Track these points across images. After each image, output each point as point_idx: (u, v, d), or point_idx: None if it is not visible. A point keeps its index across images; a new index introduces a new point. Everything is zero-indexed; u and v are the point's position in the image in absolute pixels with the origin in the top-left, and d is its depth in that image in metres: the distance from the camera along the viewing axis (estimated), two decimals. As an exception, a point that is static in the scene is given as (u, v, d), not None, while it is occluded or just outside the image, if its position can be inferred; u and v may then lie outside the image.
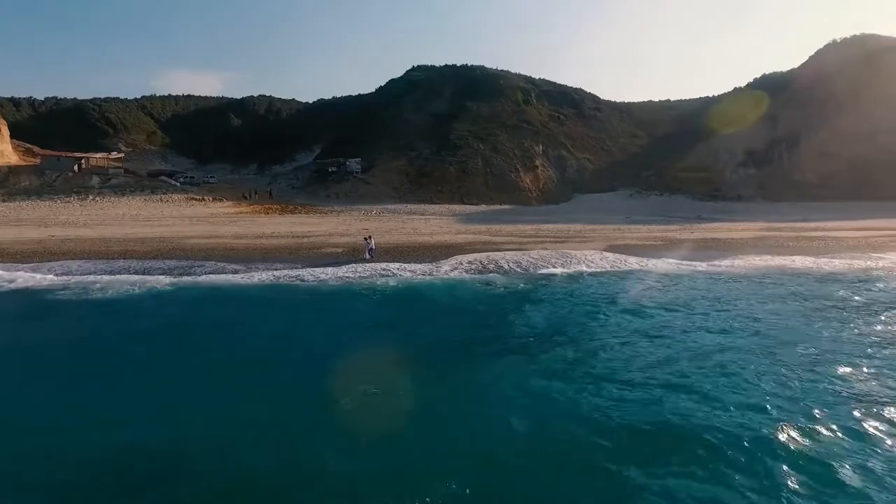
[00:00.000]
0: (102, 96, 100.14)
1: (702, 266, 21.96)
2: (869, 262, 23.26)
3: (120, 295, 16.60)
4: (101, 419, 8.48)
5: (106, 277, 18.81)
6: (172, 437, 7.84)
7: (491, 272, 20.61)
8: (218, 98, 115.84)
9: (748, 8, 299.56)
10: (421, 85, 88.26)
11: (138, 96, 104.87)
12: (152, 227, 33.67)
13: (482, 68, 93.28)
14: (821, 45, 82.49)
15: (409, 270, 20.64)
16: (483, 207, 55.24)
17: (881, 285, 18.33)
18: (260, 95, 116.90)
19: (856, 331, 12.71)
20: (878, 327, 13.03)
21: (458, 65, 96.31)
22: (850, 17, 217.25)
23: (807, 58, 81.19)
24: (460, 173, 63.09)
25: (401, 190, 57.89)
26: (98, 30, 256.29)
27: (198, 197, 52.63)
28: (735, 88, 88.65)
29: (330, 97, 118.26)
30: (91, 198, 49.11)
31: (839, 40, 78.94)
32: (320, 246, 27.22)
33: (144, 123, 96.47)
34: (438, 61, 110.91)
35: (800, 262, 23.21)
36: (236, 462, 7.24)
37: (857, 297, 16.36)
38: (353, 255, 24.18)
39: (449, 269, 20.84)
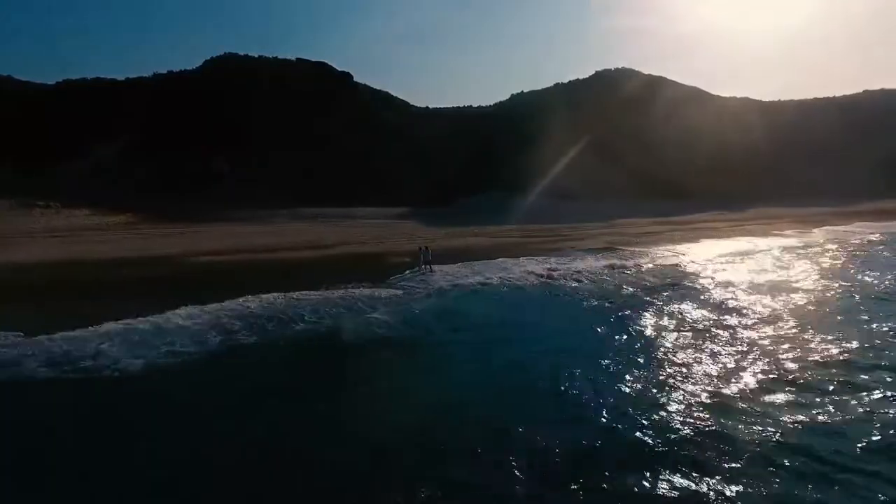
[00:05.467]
0: None
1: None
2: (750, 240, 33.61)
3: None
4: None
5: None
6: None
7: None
8: None
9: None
10: (254, 75, 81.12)
11: None
12: (111, 244, 25.70)
13: (324, 64, 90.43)
14: (599, 69, 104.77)
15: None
16: (388, 210, 55.30)
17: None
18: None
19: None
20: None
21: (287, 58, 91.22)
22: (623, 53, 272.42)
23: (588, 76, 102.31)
24: (349, 176, 61.45)
25: (298, 194, 53.57)
26: None
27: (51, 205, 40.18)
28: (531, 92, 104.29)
29: (79, 78, 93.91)
30: None
31: (613, 69, 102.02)
32: (381, 256, 25.92)
33: None
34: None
35: (760, 241, 31.90)
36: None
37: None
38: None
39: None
